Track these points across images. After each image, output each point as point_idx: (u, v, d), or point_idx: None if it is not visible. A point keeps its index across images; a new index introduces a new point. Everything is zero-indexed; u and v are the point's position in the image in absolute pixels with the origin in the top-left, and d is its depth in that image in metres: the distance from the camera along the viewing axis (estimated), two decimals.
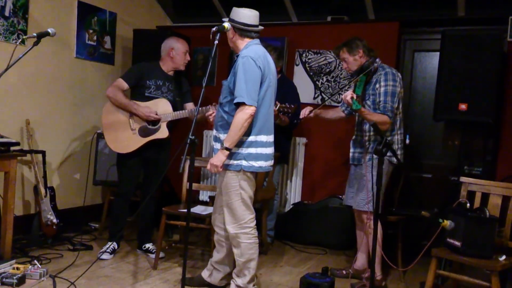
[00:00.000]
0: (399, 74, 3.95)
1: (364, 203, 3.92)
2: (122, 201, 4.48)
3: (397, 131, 3.97)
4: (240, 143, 3.36)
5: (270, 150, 3.47)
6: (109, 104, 4.33)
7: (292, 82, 5.25)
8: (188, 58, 4.49)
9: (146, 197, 4.44)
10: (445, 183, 4.79)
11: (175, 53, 4.39)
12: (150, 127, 4.31)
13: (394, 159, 3.77)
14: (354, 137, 4.14)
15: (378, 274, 4.00)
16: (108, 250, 4.37)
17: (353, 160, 4.12)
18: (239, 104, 3.26)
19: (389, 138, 3.91)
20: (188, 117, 4.37)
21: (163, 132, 4.32)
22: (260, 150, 3.39)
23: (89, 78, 5.39)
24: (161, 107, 4.32)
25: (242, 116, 3.25)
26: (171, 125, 4.36)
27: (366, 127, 3.95)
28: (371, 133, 3.94)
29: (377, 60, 3.92)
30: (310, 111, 4.12)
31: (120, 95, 4.25)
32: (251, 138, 3.36)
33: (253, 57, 3.28)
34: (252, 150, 3.37)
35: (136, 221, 4.74)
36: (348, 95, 3.57)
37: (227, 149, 3.31)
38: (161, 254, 4.44)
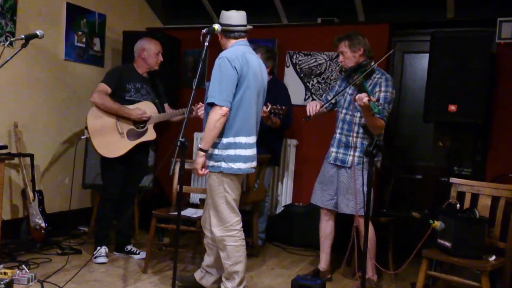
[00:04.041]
0: None
1: (360, 207, 3.89)
2: (109, 205, 4.45)
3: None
4: (218, 145, 3.36)
5: (250, 152, 3.44)
6: (95, 108, 4.28)
7: (283, 83, 5.24)
8: (161, 58, 4.48)
9: (126, 198, 4.53)
10: (435, 184, 4.80)
11: (146, 54, 4.39)
12: (137, 129, 4.30)
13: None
14: (338, 136, 4.04)
15: (373, 274, 4.00)
16: (102, 254, 4.34)
17: (335, 160, 4.02)
18: (212, 105, 3.26)
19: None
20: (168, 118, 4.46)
21: (151, 134, 4.35)
22: (239, 152, 3.37)
23: (78, 80, 5.35)
24: (147, 110, 4.35)
25: (213, 117, 3.25)
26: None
27: (356, 127, 3.92)
28: (359, 135, 3.91)
29: (373, 61, 3.92)
30: (321, 106, 3.96)
31: (108, 100, 4.23)
32: (230, 139, 3.35)
33: (229, 58, 3.28)
34: (231, 152, 3.35)
35: (116, 223, 4.71)
36: (364, 97, 3.46)
37: (201, 150, 3.31)
38: (142, 255, 4.45)
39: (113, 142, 4.27)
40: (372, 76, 3.87)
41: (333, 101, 4.12)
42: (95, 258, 4.31)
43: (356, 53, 3.91)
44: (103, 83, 4.30)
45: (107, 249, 4.43)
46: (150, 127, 4.35)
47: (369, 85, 3.84)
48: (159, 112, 4.41)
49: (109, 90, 4.27)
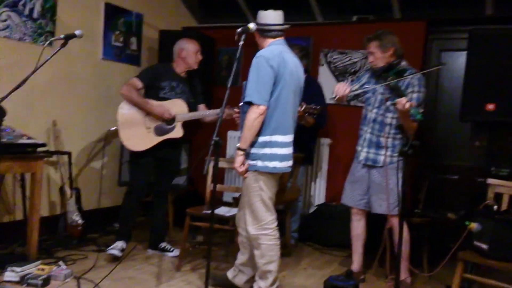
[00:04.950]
0: None
1: (393, 207, 3.85)
2: (132, 199, 4.48)
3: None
4: (255, 144, 3.36)
5: (286, 151, 3.43)
6: (125, 102, 4.37)
7: (318, 82, 5.20)
8: (200, 57, 4.53)
9: (159, 196, 4.61)
10: (471, 184, 4.70)
11: (185, 54, 4.45)
12: (165, 126, 4.35)
13: None
14: (368, 136, 3.97)
15: (407, 276, 3.95)
16: (118, 247, 4.34)
17: (366, 160, 3.97)
18: (250, 104, 3.27)
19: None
20: (199, 119, 4.48)
21: (178, 132, 4.38)
22: (275, 151, 3.36)
23: (116, 79, 5.43)
24: (177, 107, 4.38)
25: (251, 116, 3.26)
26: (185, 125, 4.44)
27: (387, 128, 3.88)
28: (391, 135, 3.87)
29: (403, 60, 3.87)
30: (350, 92, 3.86)
31: (135, 94, 4.30)
32: (266, 138, 3.35)
33: (266, 57, 3.29)
34: (267, 151, 3.35)
35: (150, 220, 4.77)
36: (406, 104, 3.42)
37: (240, 149, 3.34)
38: (176, 253, 4.50)
39: (138, 136, 4.34)
40: (406, 76, 3.80)
41: (358, 91, 4.03)
42: (109, 249, 4.32)
43: (386, 53, 3.84)
44: (136, 77, 4.39)
45: (124, 245, 4.42)
46: (178, 124, 4.37)
47: (400, 85, 3.77)
48: (190, 111, 4.45)
49: (139, 85, 4.35)
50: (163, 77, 4.43)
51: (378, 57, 3.87)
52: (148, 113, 4.33)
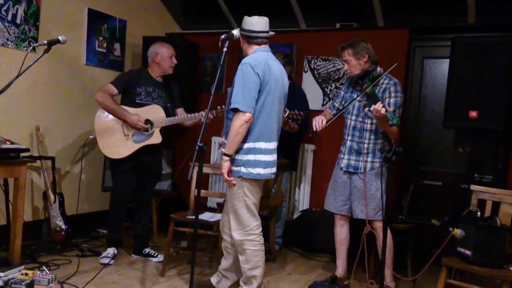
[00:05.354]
0: None
1: (374, 212, 3.88)
2: (118, 207, 4.49)
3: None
4: (239, 150, 3.37)
5: (270, 158, 3.44)
6: (101, 109, 4.33)
7: (302, 89, 5.23)
8: (175, 61, 4.51)
9: (142, 202, 4.58)
10: (455, 191, 4.76)
11: (160, 58, 4.43)
12: (143, 132, 4.33)
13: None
14: (349, 143, 4.01)
15: (390, 281, 3.97)
16: (109, 256, 4.37)
17: (348, 167, 4.00)
18: (236, 111, 3.28)
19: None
20: (179, 123, 4.46)
21: (156, 138, 4.36)
22: (259, 157, 3.38)
23: (99, 85, 5.35)
24: (154, 113, 4.36)
25: (237, 123, 3.27)
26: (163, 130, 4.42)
27: (367, 134, 3.92)
28: (371, 141, 3.91)
29: (378, 66, 3.92)
30: (327, 122, 3.94)
31: (109, 100, 4.26)
32: (250, 144, 3.37)
33: (251, 64, 3.30)
34: (250, 157, 3.37)
35: (134, 226, 4.77)
36: (382, 109, 3.47)
37: (226, 155, 3.35)
38: (160, 258, 4.50)
39: (117, 143, 4.31)
40: (380, 82, 3.85)
41: (340, 107, 4.09)
42: (101, 258, 4.36)
43: (360, 60, 3.87)
44: (111, 84, 4.36)
45: (116, 251, 4.46)
46: (156, 130, 4.35)
47: (377, 91, 3.82)
48: (168, 116, 4.42)
49: (114, 91, 4.33)
50: (139, 82, 4.40)
51: (353, 64, 3.91)
52: (123, 120, 4.31)
